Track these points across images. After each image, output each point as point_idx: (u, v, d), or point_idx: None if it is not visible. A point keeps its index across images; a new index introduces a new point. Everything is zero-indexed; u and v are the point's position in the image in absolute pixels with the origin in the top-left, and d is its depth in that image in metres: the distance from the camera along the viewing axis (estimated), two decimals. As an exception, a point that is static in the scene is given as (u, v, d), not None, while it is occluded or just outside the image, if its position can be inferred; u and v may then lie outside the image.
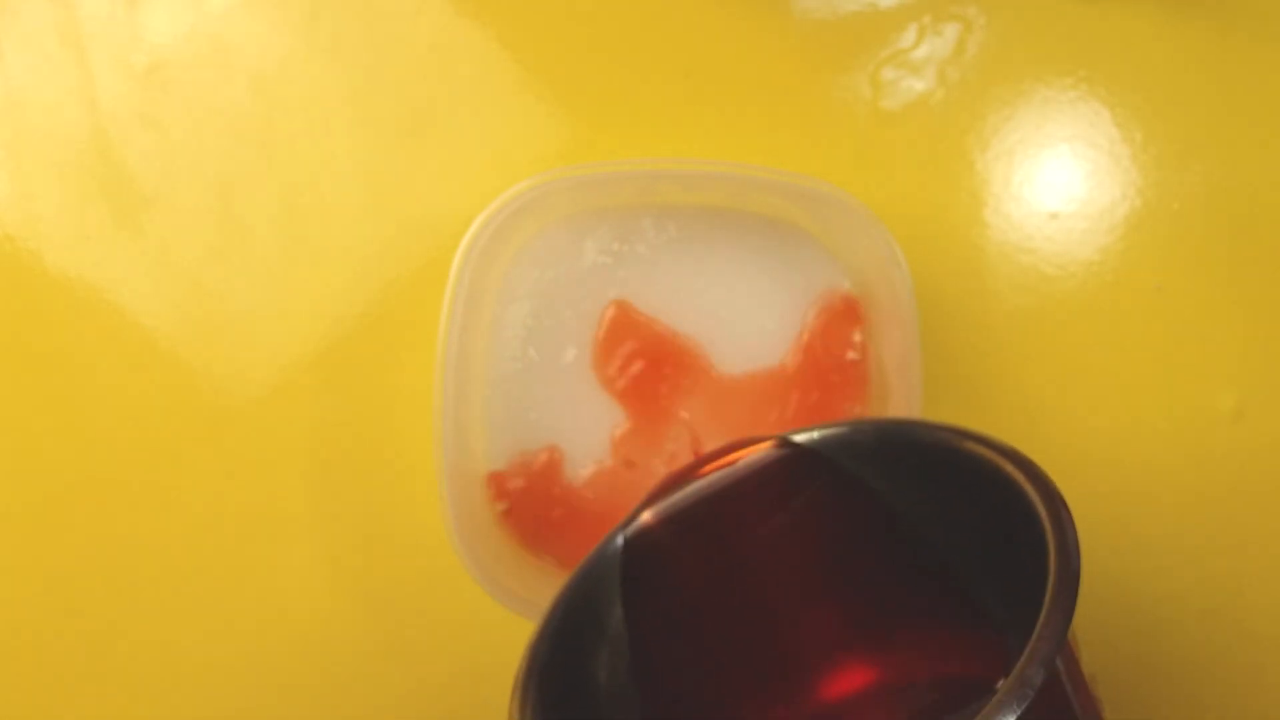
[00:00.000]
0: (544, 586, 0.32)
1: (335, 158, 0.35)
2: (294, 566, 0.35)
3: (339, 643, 0.35)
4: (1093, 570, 0.35)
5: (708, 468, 0.29)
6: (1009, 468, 0.24)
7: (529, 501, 0.33)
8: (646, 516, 0.29)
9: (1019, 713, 0.19)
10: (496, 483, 0.33)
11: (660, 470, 0.33)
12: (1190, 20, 0.35)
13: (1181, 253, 0.35)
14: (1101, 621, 0.35)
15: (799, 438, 0.28)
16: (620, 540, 0.29)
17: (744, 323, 0.33)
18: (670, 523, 0.29)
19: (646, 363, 0.33)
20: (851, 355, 0.33)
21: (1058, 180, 0.35)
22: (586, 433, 0.33)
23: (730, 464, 0.29)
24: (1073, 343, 0.35)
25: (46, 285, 0.35)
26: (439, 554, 0.33)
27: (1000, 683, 0.20)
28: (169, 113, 0.35)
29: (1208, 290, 0.35)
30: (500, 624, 0.31)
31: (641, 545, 0.29)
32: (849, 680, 0.29)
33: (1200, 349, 0.35)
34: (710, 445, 0.33)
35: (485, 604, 0.31)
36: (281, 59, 0.35)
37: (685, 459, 0.33)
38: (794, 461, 0.29)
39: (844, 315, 0.33)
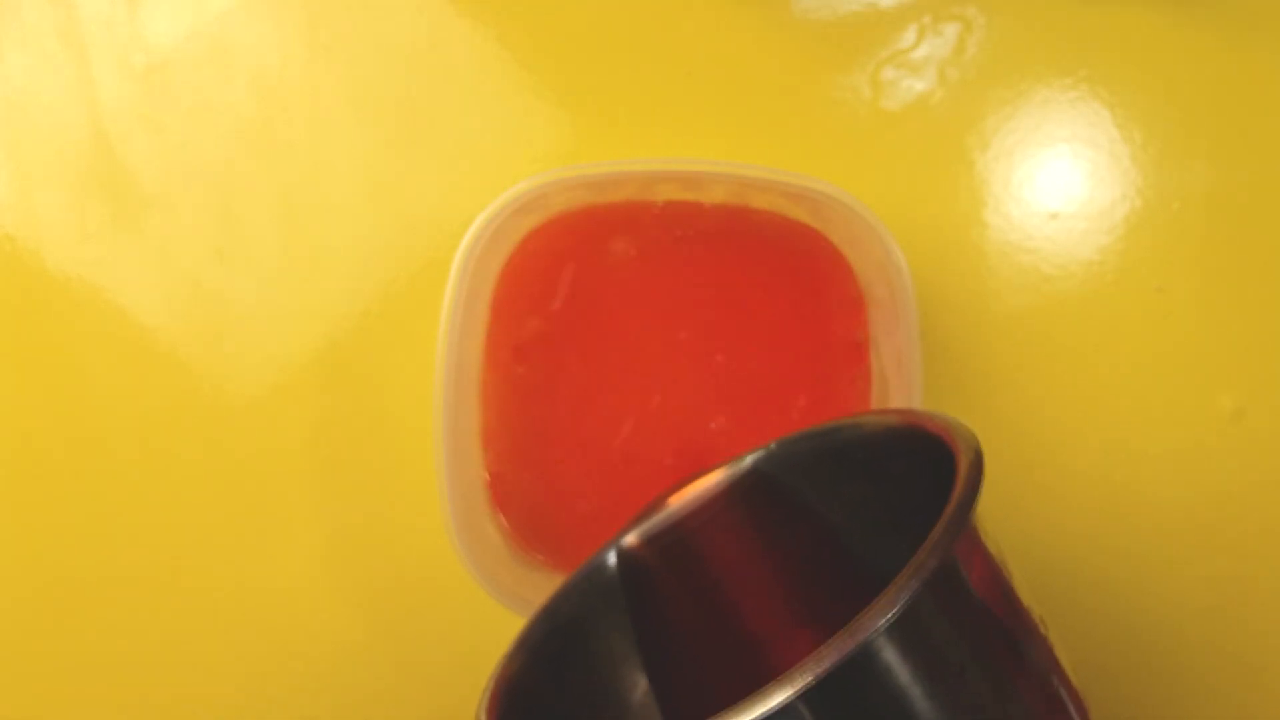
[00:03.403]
0: (543, 586, 0.32)
1: (335, 158, 0.35)
2: (293, 565, 0.35)
3: (338, 640, 0.35)
4: (1092, 570, 0.35)
5: (673, 497, 0.30)
6: (926, 425, 0.25)
7: (528, 501, 0.33)
8: (630, 539, 0.30)
9: (910, 596, 0.19)
10: (496, 483, 0.33)
11: (661, 469, 0.33)
12: (1190, 20, 0.35)
13: (1181, 253, 0.35)
14: (1101, 621, 0.35)
15: (748, 460, 0.29)
16: (612, 560, 0.29)
17: (745, 322, 0.33)
18: (651, 547, 0.30)
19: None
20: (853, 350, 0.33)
21: (1058, 180, 0.35)
22: (588, 431, 0.33)
23: (691, 490, 0.30)
24: (1073, 343, 0.35)
25: (46, 285, 0.35)
26: (439, 553, 0.33)
27: None
28: (169, 113, 0.35)
29: (1208, 290, 0.35)
30: (499, 623, 0.31)
31: (631, 567, 0.29)
32: None
33: (1200, 349, 0.35)
34: (704, 441, 0.33)
35: (485, 603, 0.31)
36: (281, 59, 0.35)
37: (684, 457, 0.33)
38: (743, 484, 0.29)
39: (846, 313, 0.33)
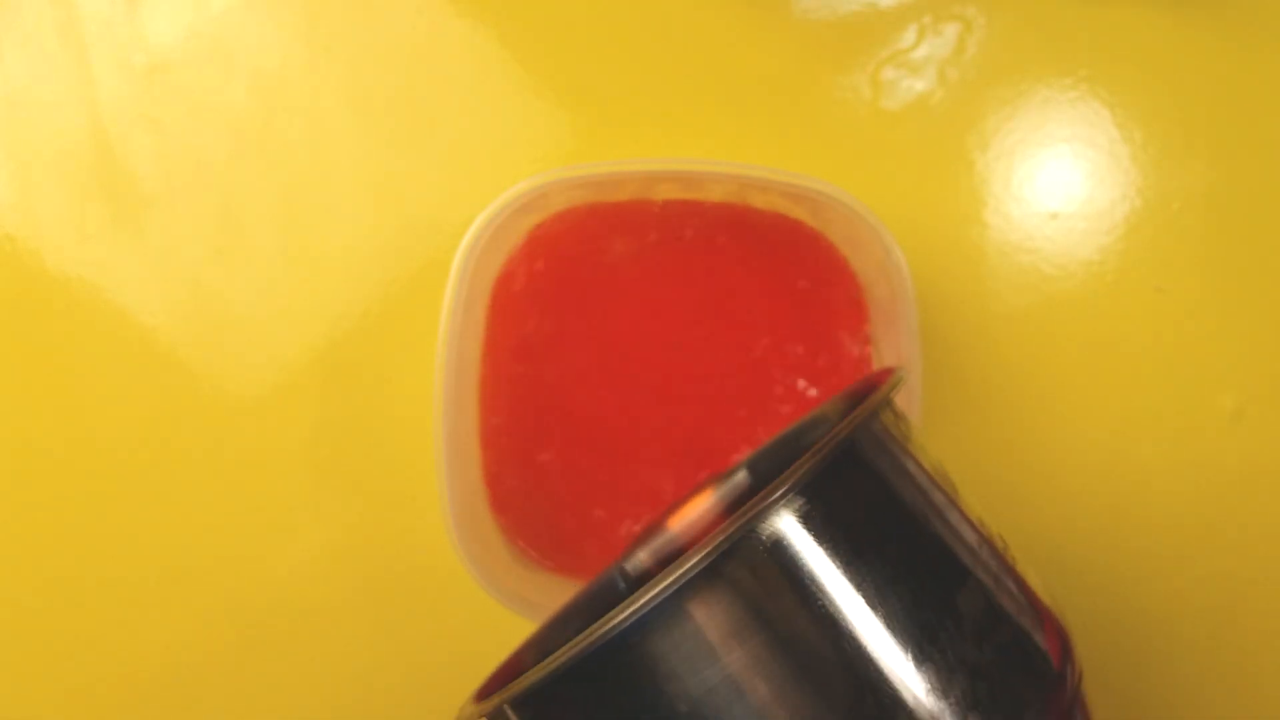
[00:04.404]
0: (543, 586, 0.32)
1: (335, 158, 0.35)
2: (293, 565, 0.35)
3: (338, 640, 0.35)
4: (1092, 568, 0.35)
5: (671, 519, 0.30)
6: (877, 383, 0.25)
7: (528, 501, 0.33)
8: (639, 559, 0.30)
9: (814, 467, 0.20)
10: (496, 483, 0.33)
11: (661, 468, 0.33)
12: (1190, 20, 0.35)
13: (1181, 253, 0.35)
14: (1101, 620, 0.35)
15: (738, 475, 0.29)
16: (621, 584, 0.29)
17: (745, 322, 0.33)
18: (659, 569, 0.29)
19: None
20: (857, 352, 0.33)
21: (1058, 180, 0.35)
22: (588, 432, 0.33)
23: (689, 512, 0.30)
24: (1073, 343, 0.35)
25: (46, 285, 0.35)
26: (439, 553, 0.33)
27: None
28: (169, 113, 0.35)
29: (1208, 290, 0.35)
30: (499, 623, 0.31)
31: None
32: None
33: (1200, 349, 0.35)
34: (704, 444, 0.33)
35: (484, 603, 0.31)
36: (281, 59, 0.35)
37: (684, 456, 0.33)
38: (739, 498, 0.29)
39: (846, 313, 0.33)
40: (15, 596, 0.36)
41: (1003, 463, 0.35)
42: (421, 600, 0.35)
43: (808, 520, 0.20)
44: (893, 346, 0.32)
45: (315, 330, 0.35)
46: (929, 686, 0.20)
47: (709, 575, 0.20)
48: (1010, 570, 0.23)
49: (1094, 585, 0.35)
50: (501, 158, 0.35)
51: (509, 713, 0.22)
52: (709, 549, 0.20)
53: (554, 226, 0.33)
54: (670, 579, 0.19)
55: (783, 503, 0.20)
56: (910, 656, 0.20)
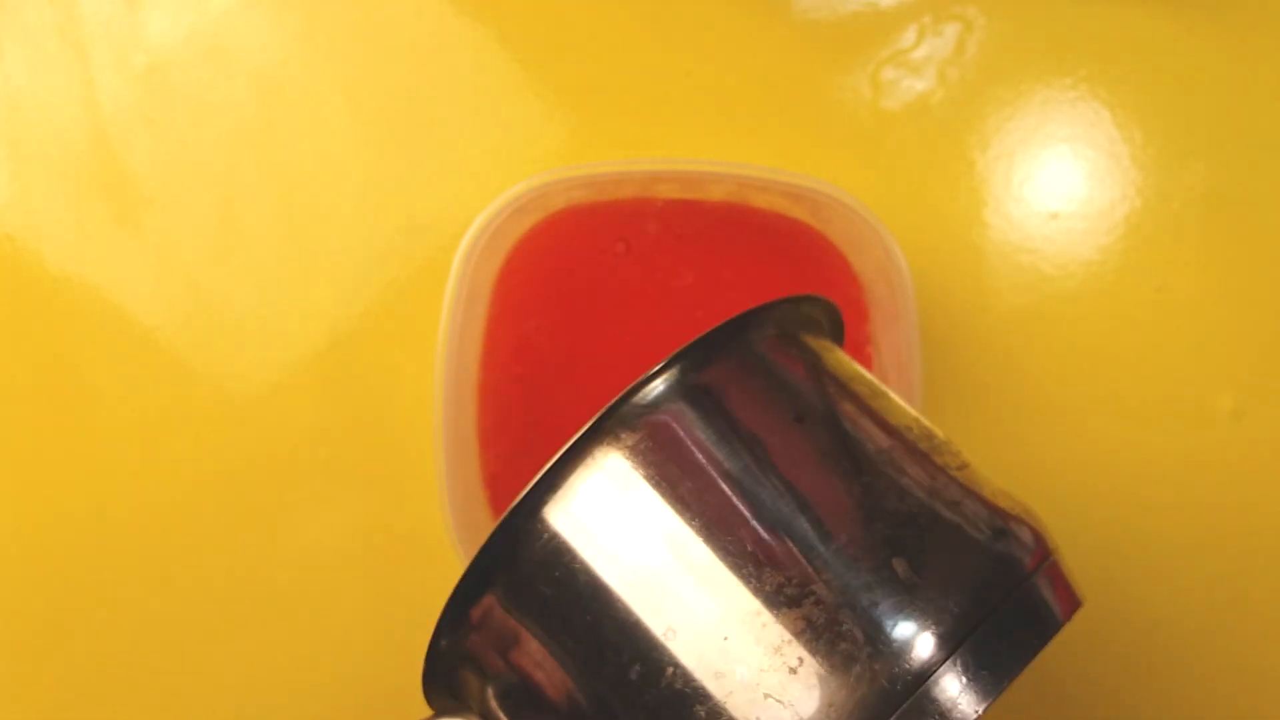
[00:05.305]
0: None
1: (335, 158, 0.35)
2: (293, 565, 0.35)
3: (337, 640, 0.35)
4: (1091, 569, 0.35)
5: None
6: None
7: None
8: None
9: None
10: (496, 483, 0.33)
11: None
12: (1190, 20, 0.35)
13: (1181, 253, 0.35)
14: (1101, 620, 0.35)
15: None
16: None
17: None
18: None
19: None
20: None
21: (1058, 180, 0.35)
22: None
23: None
24: (1073, 343, 0.35)
25: (46, 285, 0.35)
26: (439, 553, 0.33)
27: None
28: (169, 113, 0.35)
29: (1208, 290, 0.35)
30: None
31: None
32: None
33: (1200, 349, 0.35)
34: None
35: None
36: (281, 59, 0.35)
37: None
38: None
39: (846, 314, 0.33)
40: (15, 595, 0.36)
41: (1002, 462, 0.35)
42: (421, 600, 0.35)
43: (705, 388, 0.22)
44: (893, 346, 0.32)
45: (315, 330, 0.35)
46: (846, 531, 0.20)
47: (605, 444, 0.22)
48: (942, 450, 0.23)
49: (1092, 584, 0.35)
50: (501, 158, 0.35)
51: (442, 642, 0.23)
52: (600, 416, 0.22)
53: (554, 226, 0.33)
54: (561, 452, 0.21)
55: (673, 374, 0.22)
56: (821, 503, 0.21)
